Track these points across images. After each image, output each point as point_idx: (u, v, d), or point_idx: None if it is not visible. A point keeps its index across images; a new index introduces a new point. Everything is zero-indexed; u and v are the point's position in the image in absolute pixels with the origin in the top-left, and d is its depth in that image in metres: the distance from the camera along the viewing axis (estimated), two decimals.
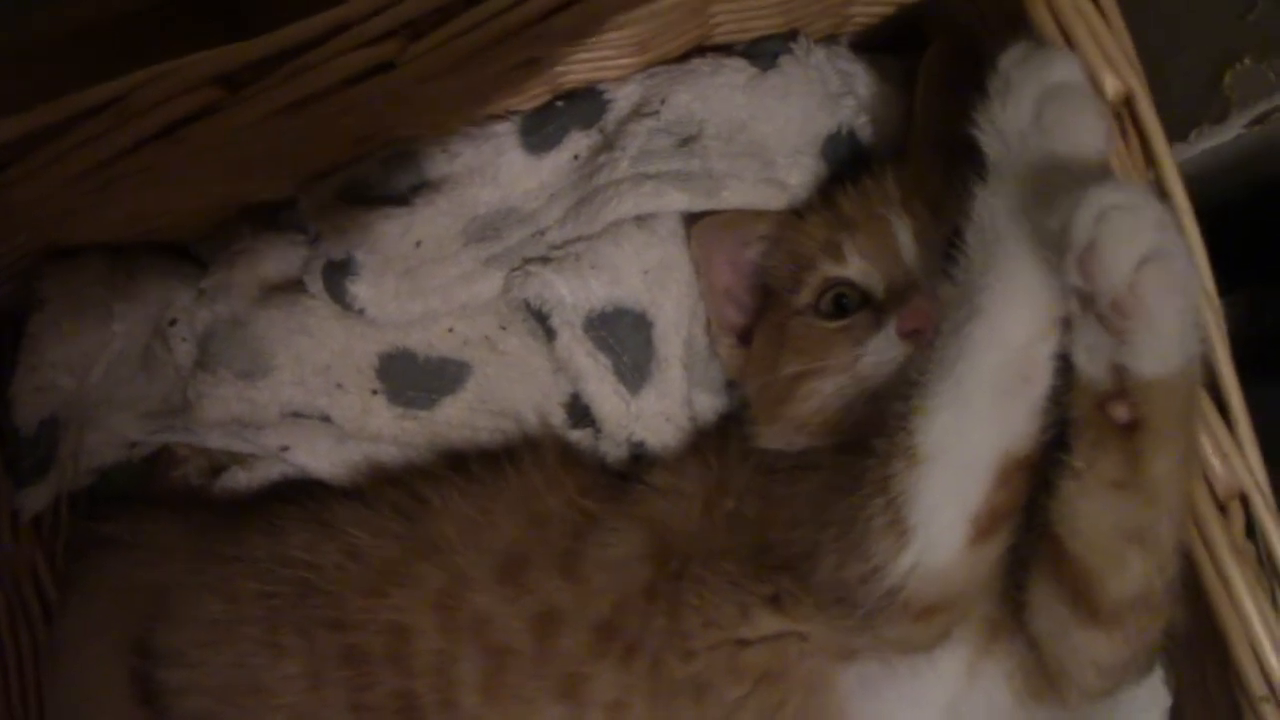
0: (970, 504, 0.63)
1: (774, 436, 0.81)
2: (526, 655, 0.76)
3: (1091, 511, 0.61)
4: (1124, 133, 0.69)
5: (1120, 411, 0.59)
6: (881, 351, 0.74)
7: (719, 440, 0.86)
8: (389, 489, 0.87)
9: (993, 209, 0.61)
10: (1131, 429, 0.59)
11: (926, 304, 0.72)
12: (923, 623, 0.67)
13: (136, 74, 0.70)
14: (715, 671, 0.73)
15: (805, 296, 0.82)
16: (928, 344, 0.69)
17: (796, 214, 0.86)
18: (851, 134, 0.89)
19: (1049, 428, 0.63)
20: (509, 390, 0.92)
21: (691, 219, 0.88)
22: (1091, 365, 0.59)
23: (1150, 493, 0.60)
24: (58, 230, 0.87)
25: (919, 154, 0.83)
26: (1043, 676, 0.70)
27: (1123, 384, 0.58)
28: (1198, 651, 0.72)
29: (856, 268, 0.79)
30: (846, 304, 0.79)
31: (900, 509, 0.63)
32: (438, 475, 0.86)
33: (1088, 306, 0.57)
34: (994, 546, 0.65)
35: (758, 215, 0.87)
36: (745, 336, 0.89)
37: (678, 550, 0.78)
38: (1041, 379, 0.61)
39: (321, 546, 0.84)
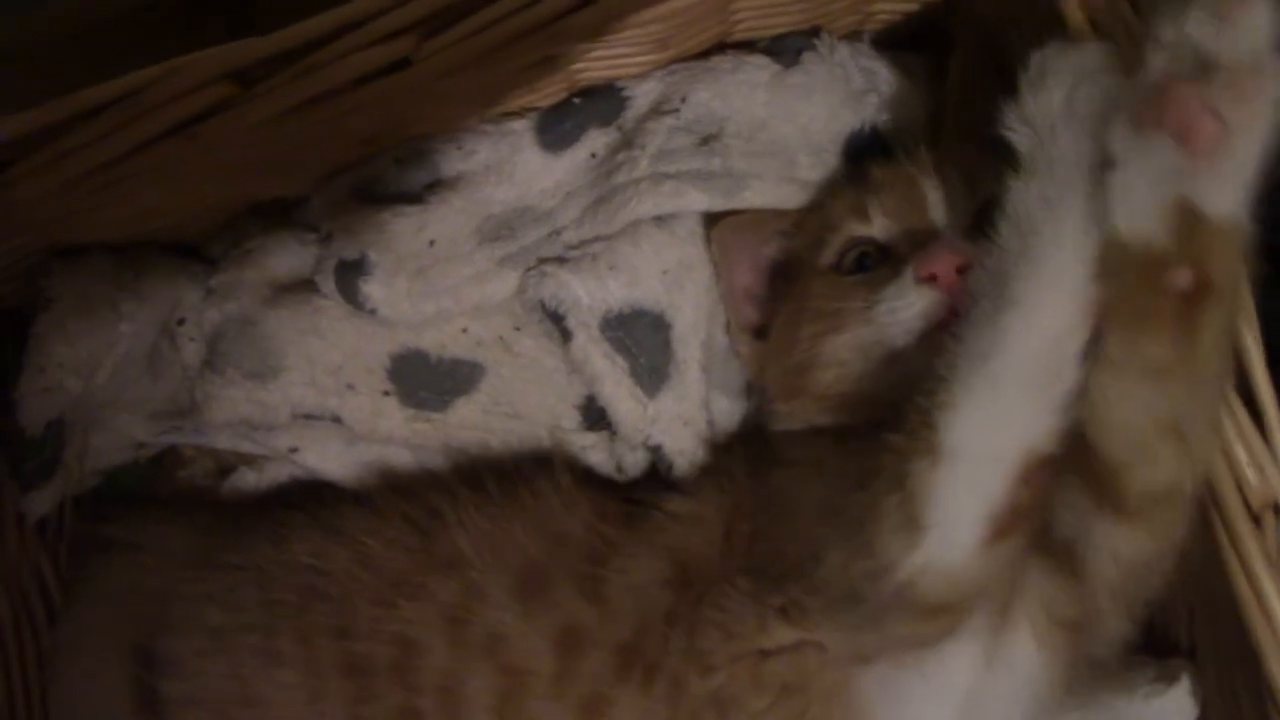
0: (991, 503, 0.60)
1: (793, 416, 0.80)
2: (545, 676, 0.74)
3: (1126, 405, 0.58)
4: None
5: (1182, 276, 0.54)
6: (898, 296, 0.72)
7: (732, 461, 0.84)
8: (401, 501, 0.85)
9: (1027, 199, 0.59)
10: (1191, 298, 0.55)
11: (946, 250, 0.71)
12: (930, 620, 0.64)
13: (147, 70, 0.69)
14: (737, 685, 0.72)
15: (828, 257, 0.80)
16: (949, 300, 0.69)
17: (823, 199, 0.85)
18: (875, 132, 0.87)
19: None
20: (523, 392, 0.91)
21: (710, 219, 0.87)
22: (1144, 219, 0.55)
23: (1197, 376, 0.57)
24: (64, 229, 0.86)
25: (954, 134, 0.82)
26: (1065, 622, 0.67)
27: (1189, 235, 0.54)
28: (1226, 662, 0.71)
29: (880, 225, 0.78)
30: (868, 263, 0.78)
31: (916, 507, 0.61)
32: (451, 489, 0.84)
33: (1157, 124, 0.53)
34: (1010, 546, 0.62)
35: (777, 214, 0.86)
36: (764, 333, 0.87)
37: (699, 576, 0.76)
38: (1071, 374, 0.58)
39: (330, 552, 0.82)
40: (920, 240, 0.75)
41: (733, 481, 0.81)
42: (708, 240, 0.87)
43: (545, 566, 0.78)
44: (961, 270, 0.70)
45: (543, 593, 0.77)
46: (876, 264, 0.78)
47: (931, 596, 0.62)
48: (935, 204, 0.77)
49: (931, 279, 0.71)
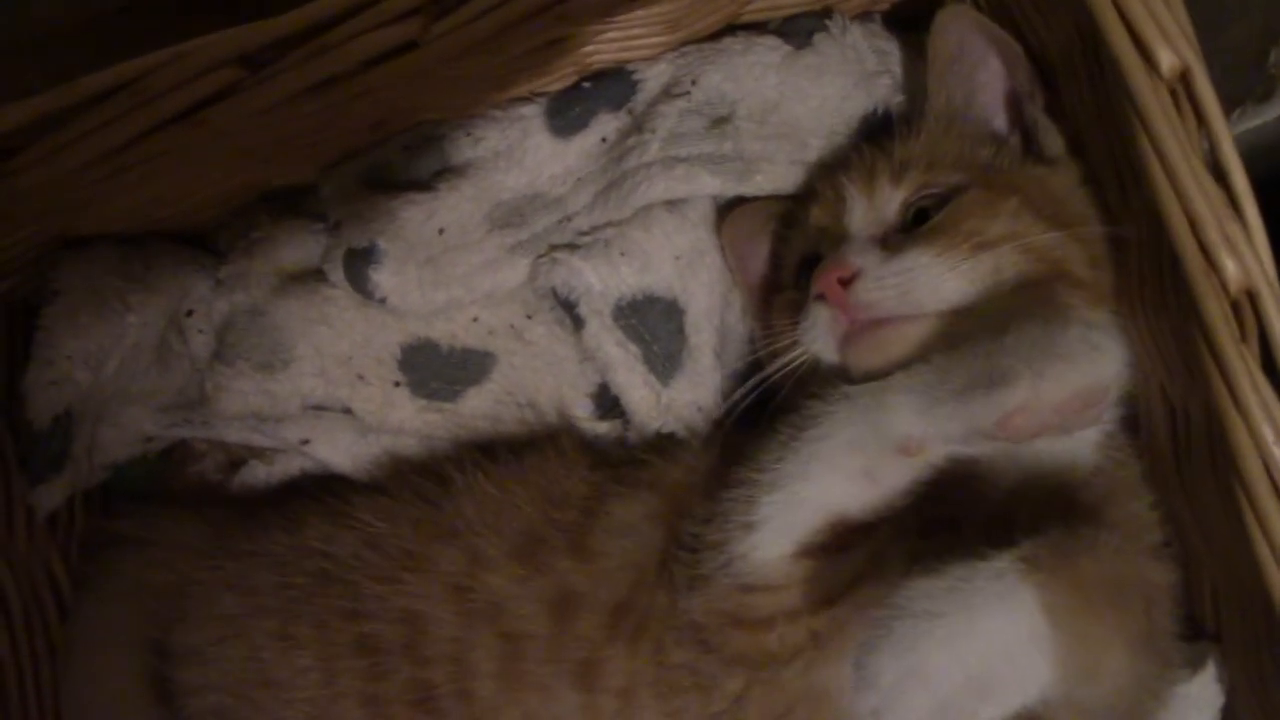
0: (795, 533, 0.68)
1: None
2: (542, 640, 0.75)
3: None
4: (1179, 110, 0.66)
5: None
6: (806, 316, 0.75)
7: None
8: (409, 475, 0.85)
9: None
10: None
11: (830, 266, 0.73)
12: (755, 633, 0.70)
13: (152, 55, 0.68)
14: (700, 654, 0.73)
15: (789, 270, 0.83)
16: (842, 313, 0.72)
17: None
18: (888, 114, 0.86)
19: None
20: (535, 381, 0.90)
21: (722, 208, 0.87)
22: None
23: None
24: (70, 219, 0.85)
25: (920, 122, 0.82)
26: None
27: None
28: (1253, 647, 0.70)
29: (815, 237, 0.80)
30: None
31: (752, 508, 0.69)
32: (462, 457, 0.85)
33: None
34: (822, 564, 0.69)
35: (775, 204, 0.87)
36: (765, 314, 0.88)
37: (687, 509, 0.77)
38: (889, 484, 0.66)
39: (339, 537, 0.82)
40: (832, 247, 0.77)
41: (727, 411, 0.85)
42: (719, 242, 0.88)
43: (542, 529, 0.79)
44: (846, 281, 0.72)
45: (538, 556, 0.78)
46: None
47: (750, 579, 0.69)
48: (854, 209, 0.78)
49: (822, 295, 0.73)
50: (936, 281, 0.71)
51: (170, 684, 0.83)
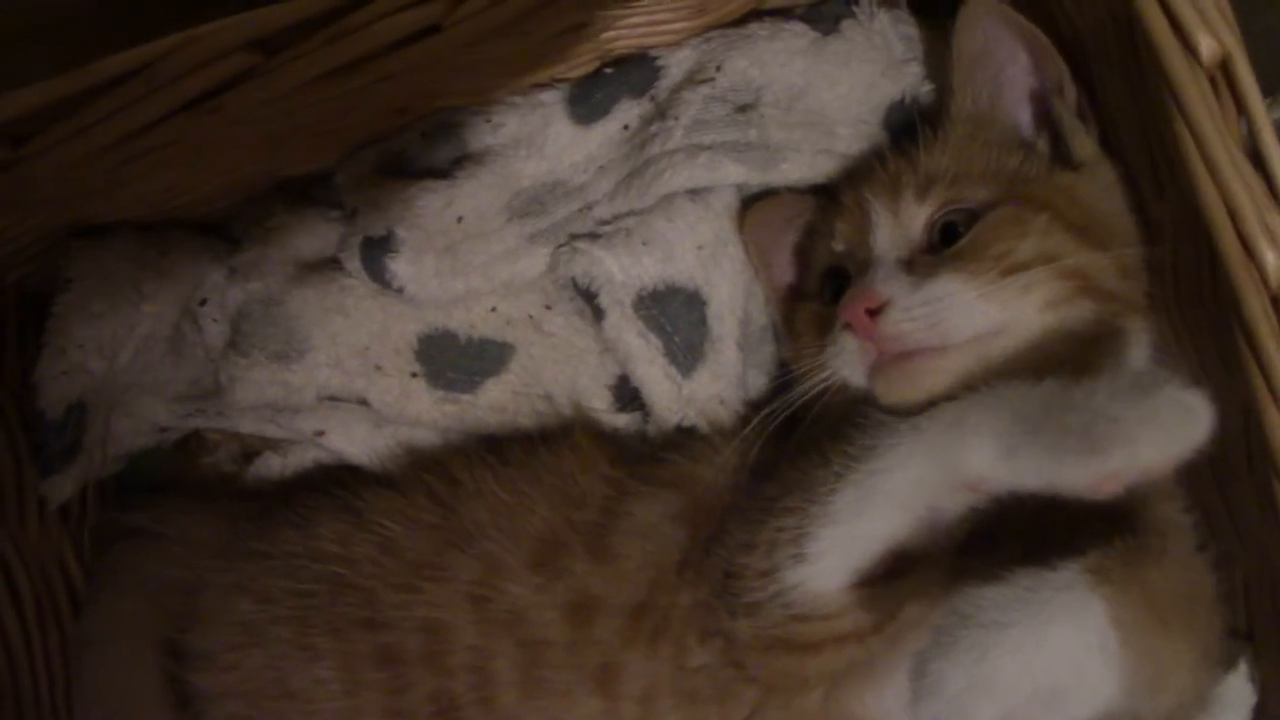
0: (853, 566, 0.67)
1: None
2: (561, 646, 0.74)
3: None
4: (1219, 98, 0.65)
5: None
6: (834, 343, 0.73)
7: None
8: (423, 474, 0.84)
9: None
10: None
11: (857, 297, 0.71)
12: (800, 658, 0.69)
13: (165, 39, 0.67)
14: (723, 664, 0.72)
15: (813, 283, 0.82)
16: (870, 343, 0.71)
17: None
18: (916, 102, 0.85)
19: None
20: (553, 372, 0.89)
21: (747, 201, 0.86)
22: None
23: None
24: (83, 206, 0.84)
25: (946, 128, 0.80)
26: None
27: None
28: None
29: (841, 254, 0.78)
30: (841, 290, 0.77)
31: (804, 538, 0.67)
32: (471, 457, 0.84)
33: None
34: (873, 589, 0.67)
35: (798, 200, 0.85)
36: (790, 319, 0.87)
37: (708, 507, 0.77)
38: (948, 515, 0.64)
39: (354, 539, 0.81)
40: (861, 271, 0.75)
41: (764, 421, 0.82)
42: (742, 242, 0.86)
43: (559, 533, 0.78)
44: (874, 311, 0.70)
45: (555, 562, 0.77)
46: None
47: (803, 609, 0.68)
48: (879, 226, 0.76)
49: (850, 326, 0.72)
50: (967, 311, 0.70)
51: (185, 686, 0.82)
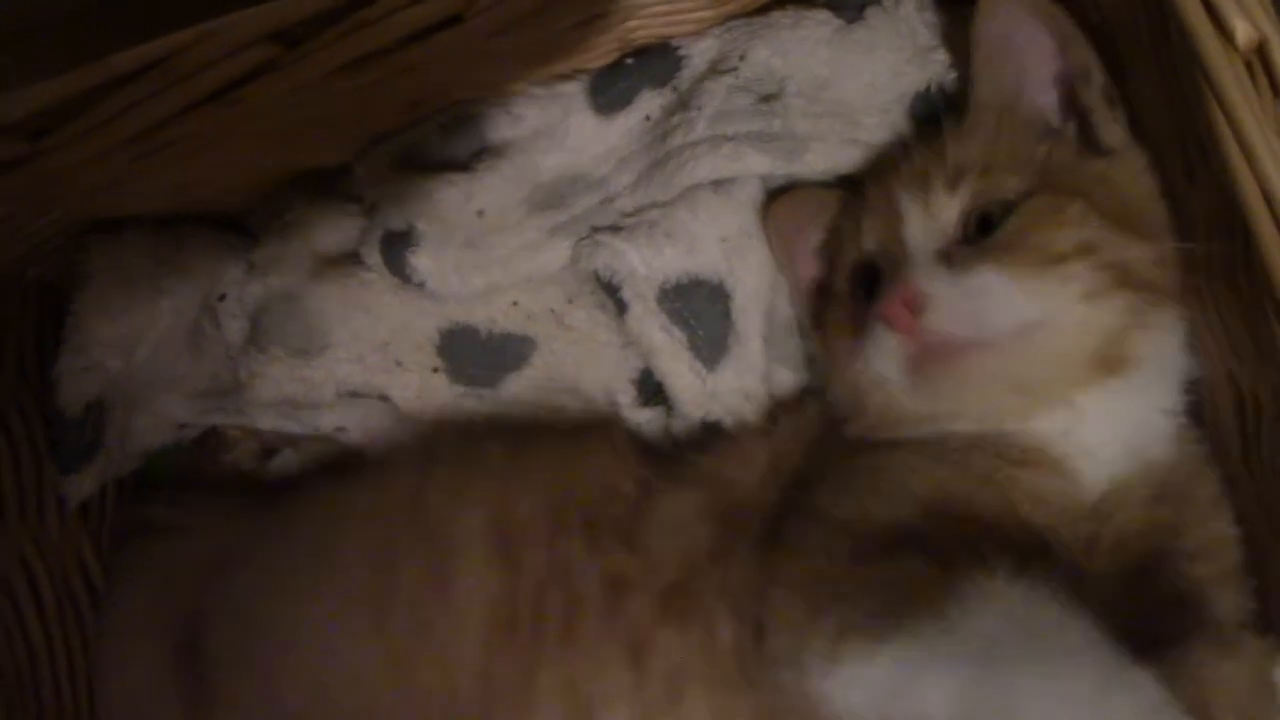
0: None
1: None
2: (598, 611, 0.74)
3: None
4: (1255, 83, 0.64)
5: None
6: (872, 343, 0.71)
7: (806, 409, 0.84)
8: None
9: None
10: None
11: (896, 294, 0.69)
12: None
13: (184, 32, 0.66)
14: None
15: (842, 281, 0.80)
16: (911, 340, 0.68)
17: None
18: (942, 91, 0.83)
19: None
20: (576, 367, 0.88)
21: (771, 194, 0.84)
22: None
23: None
24: (101, 201, 0.83)
25: (978, 111, 0.78)
26: None
27: None
28: None
29: (870, 249, 0.77)
30: (876, 289, 0.75)
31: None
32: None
33: None
34: None
35: (824, 195, 0.84)
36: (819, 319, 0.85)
37: (738, 505, 0.76)
38: None
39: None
40: (894, 266, 0.73)
41: (792, 415, 0.82)
42: (765, 232, 0.85)
43: (596, 514, 0.78)
44: (915, 308, 0.68)
45: (596, 538, 0.77)
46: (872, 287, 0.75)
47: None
48: (911, 219, 0.74)
49: (891, 324, 0.69)
50: (1009, 303, 0.68)
51: (204, 682, 0.82)
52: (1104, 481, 0.71)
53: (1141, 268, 0.71)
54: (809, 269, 0.85)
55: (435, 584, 0.76)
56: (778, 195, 0.85)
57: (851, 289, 0.79)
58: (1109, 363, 0.71)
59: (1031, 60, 0.78)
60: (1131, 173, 0.74)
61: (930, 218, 0.73)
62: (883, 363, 0.70)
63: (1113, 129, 0.76)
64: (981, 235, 0.72)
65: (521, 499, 0.78)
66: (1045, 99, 0.78)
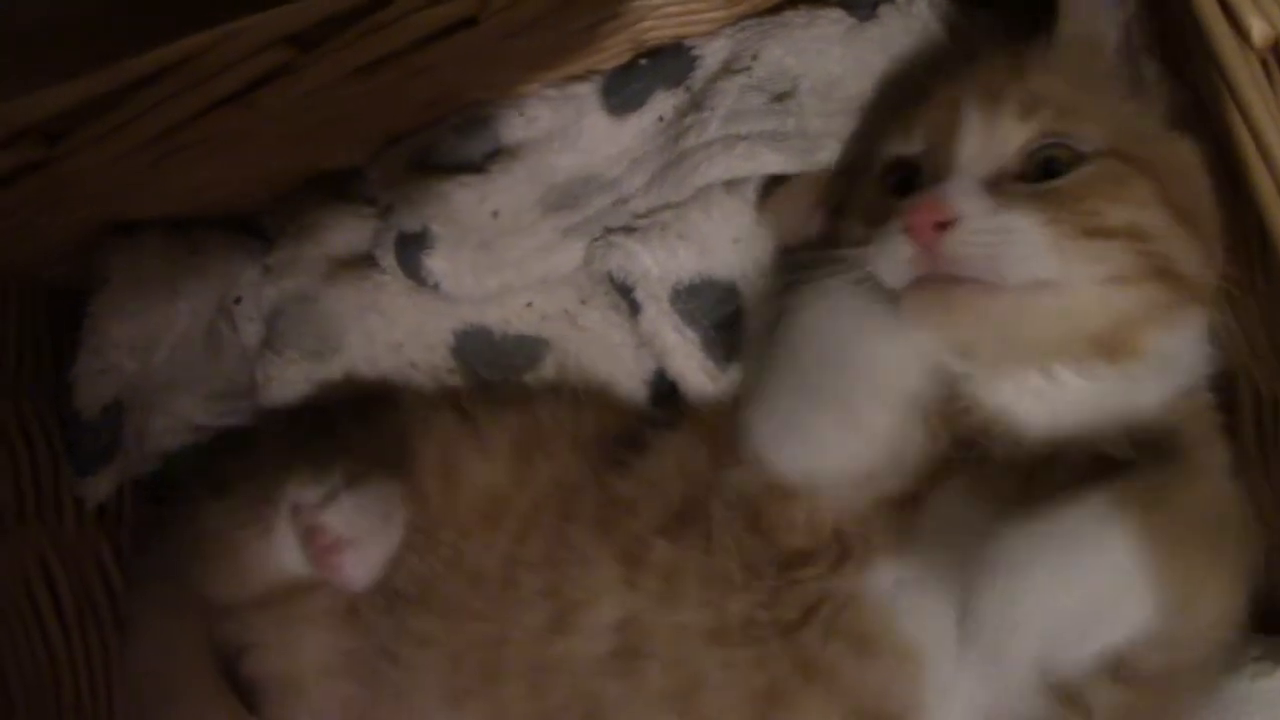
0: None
1: None
2: (589, 522, 0.75)
3: None
4: (1270, 81, 0.63)
5: None
6: (884, 241, 0.67)
7: None
8: None
9: None
10: None
11: (927, 202, 0.65)
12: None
13: (201, 35, 0.66)
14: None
15: (876, 167, 0.75)
16: (925, 256, 0.65)
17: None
18: None
19: None
20: (589, 367, 0.88)
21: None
22: None
23: None
24: (118, 204, 0.83)
25: (1062, 49, 0.73)
26: None
27: None
28: None
29: (917, 145, 0.72)
30: (910, 187, 0.71)
31: None
32: None
33: None
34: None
35: (815, 183, 0.82)
36: None
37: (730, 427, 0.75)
38: None
39: None
40: (936, 174, 0.69)
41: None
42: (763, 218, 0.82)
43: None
44: (942, 225, 0.64)
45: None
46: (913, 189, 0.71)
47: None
48: (970, 133, 0.69)
49: (909, 229, 0.65)
50: (1030, 252, 0.64)
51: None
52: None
53: (1184, 266, 0.67)
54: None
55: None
56: (776, 183, 0.82)
57: (882, 178, 0.74)
58: (1110, 348, 0.67)
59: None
60: (1195, 163, 0.71)
61: (990, 138, 0.68)
62: (887, 266, 0.67)
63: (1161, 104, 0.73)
64: (1039, 178, 0.68)
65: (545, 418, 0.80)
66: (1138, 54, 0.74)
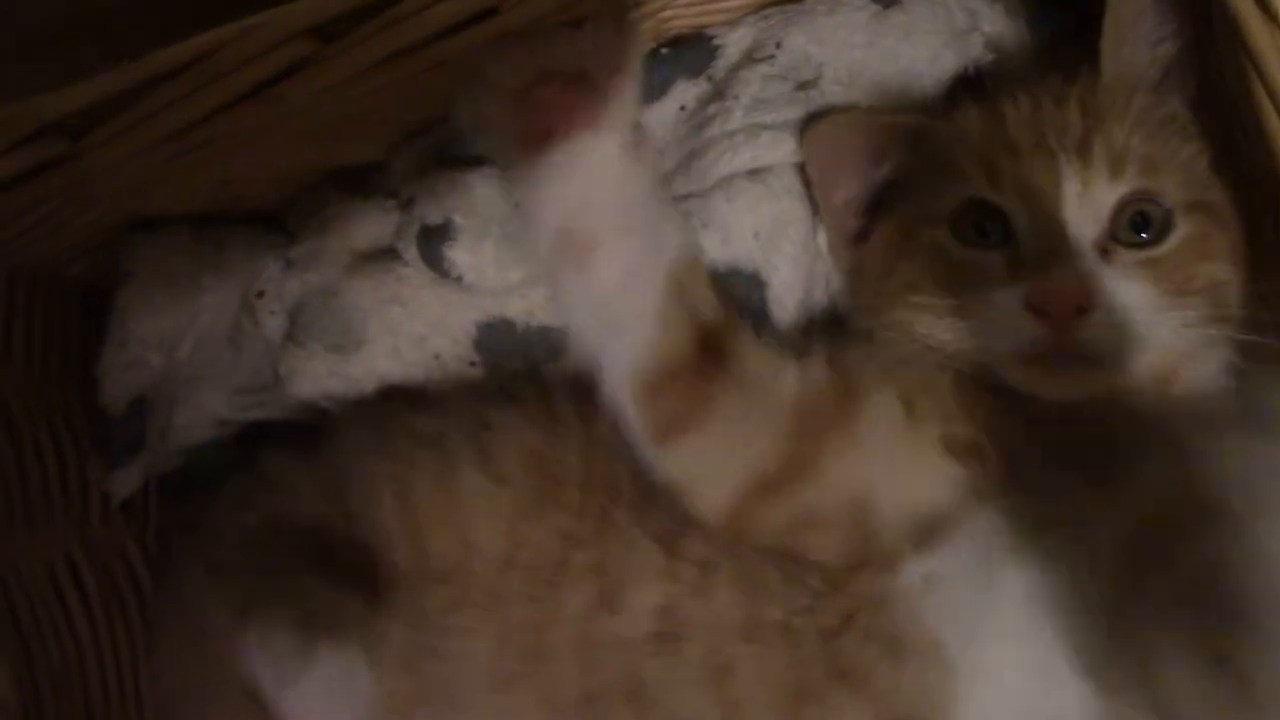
0: None
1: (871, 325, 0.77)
2: (630, 504, 0.74)
3: None
4: None
5: None
6: (1002, 317, 0.67)
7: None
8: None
9: None
10: None
11: (1071, 284, 0.65)
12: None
13: (222, 28, 0.66)
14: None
15: (944, 206, 0.73)
16: (1056, 338, 0.65)
17: (944, 112, 0.78)
18: (979, 74, 0.82)
19: None
20: None
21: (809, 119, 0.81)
22: None
23: None
24: (140, 200, 0.83)
25: (1110, 81, 0.73)
26: None
27: None
28: None
29: (1010, 198, 0.70)
30: (989, 234, 0.71)
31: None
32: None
33: None
34: None
35: (886, 123, 0.79)
36: (861, 235, 0.81)
37: None
38: None
39: None
40: (1044, 238, 0.68)
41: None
42: (801, 146, 0.80)
43: None
44: (1082, 311, 0.64)
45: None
46: (994, 235, 0.71)
47: None
48: (1071, 194, 0.68)
49: (1043, 311, 0.65)
50: (1153, 333, 0.66)
51: None
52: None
53: (1238, 308, 0.69)
54: (850, 189, 0.81)
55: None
56: (818, 117, 0.80)
57: (953, 221, 0.73)
58: (1158, 379, 0.68)
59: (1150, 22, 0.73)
60: (1231, 205, 0.72)
61: (1088, 197, 0.68)
62: (1005, 338, 0.67)
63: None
64: (1133, 236, 0.68)
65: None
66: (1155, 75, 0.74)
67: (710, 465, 0.69)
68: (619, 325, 0.69)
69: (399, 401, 0.83)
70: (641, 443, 0.70)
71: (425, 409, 0.82)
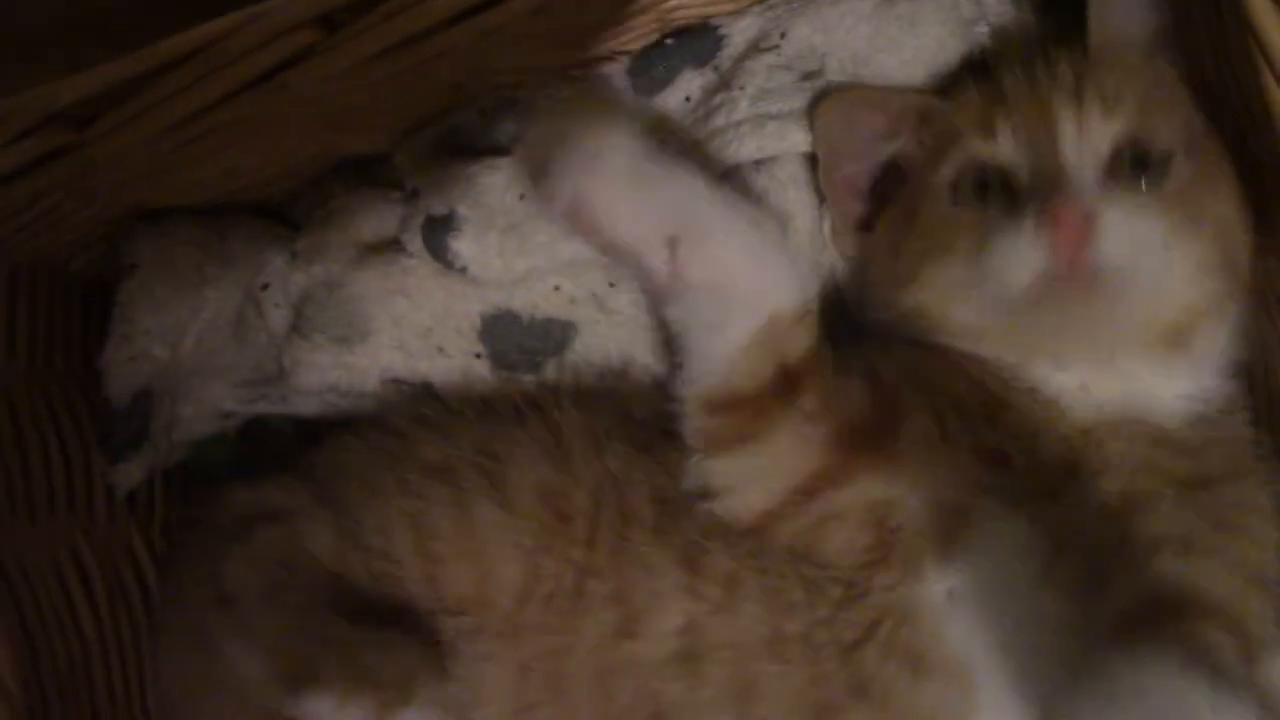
0: None
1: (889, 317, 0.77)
2: (648, 524, 0.73)
3: None
4: None
5: None
6: (1011, 249, 0.67)
7: None
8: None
9: None
10: None
11: (1075, 203, 0.65)
12: None
13: (228, 17, 0.66)
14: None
15: (945, 173, 0.74)
16: (1069, 260, 0.64)
17: (943, 93, 0.79)
18: (985, 63, 0.82)
19: None
20: (617, 351, 0.87)
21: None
22: None
23: None
24: (145, 191, 0.83)
25: (1098, 45, 0.74)
26: None
27: None
28: None
29: (1005, 148, 0.71)
30: (991, 195, 0.71)
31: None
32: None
33: None
34: None
35: (899, 98, 0.79)
36: (866, 223, 0.82)
37: None
38: None
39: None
40: (1045, 177, 0.68)
41: None
42: (810, 123, 0.80)
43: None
44: (1088, 234, 0.65)
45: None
46: (995, 192, 0.71)
47: None
48: (1068, 134, 0.69)
49: (1052, 235, 0.65)
50: (1162, 259, 0.66)
51: None
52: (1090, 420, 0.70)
53: (1243, 257, 0.70)
54: (858, 163, 0.81)
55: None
56: (830, 93, 0.81)
57: (954, 184, 0.73)
58: (1171, 338, 0.69)
59: None
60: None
61: (1085, 136, 0.69)
62: (1015, 274, 0.66)
63: None
64: (1135, 175, 0.69)
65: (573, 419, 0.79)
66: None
67: (753, 477, 0.70)
68: (705, 334, 0.70)
69: (403, 419, 0.83)
70: (689, 445, 0.71)
71: (429, 438, 0.80)
